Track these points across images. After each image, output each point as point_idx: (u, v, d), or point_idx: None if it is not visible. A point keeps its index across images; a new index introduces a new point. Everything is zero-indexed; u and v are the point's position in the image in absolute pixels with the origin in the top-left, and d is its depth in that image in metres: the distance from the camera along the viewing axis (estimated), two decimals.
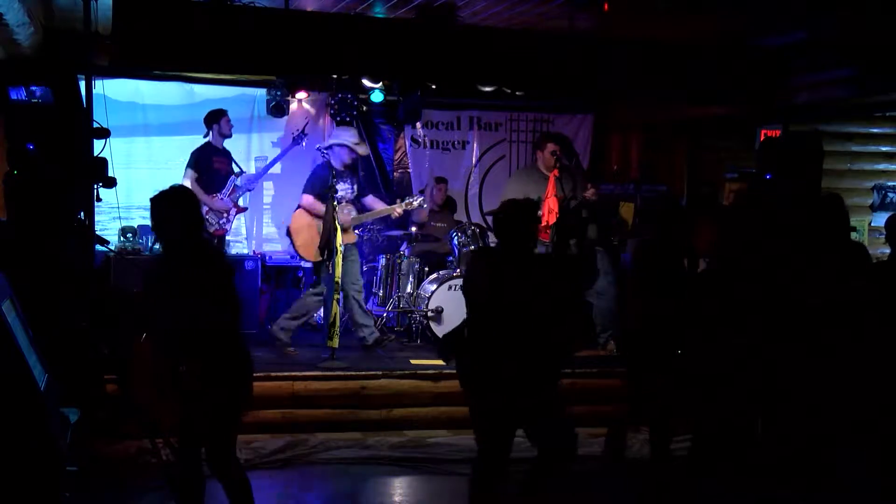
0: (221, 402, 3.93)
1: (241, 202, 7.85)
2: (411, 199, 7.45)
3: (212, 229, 7.60)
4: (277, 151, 8.80)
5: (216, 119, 7.65)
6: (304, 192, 7.14)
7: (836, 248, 4.70)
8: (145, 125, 8.54)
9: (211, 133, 7.68)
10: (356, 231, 7.47)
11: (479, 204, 9.30)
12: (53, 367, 3.55)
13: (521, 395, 4.17)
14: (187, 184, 7.56)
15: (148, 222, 8.24)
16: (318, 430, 6.04)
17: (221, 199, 7.61)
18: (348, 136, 7.16)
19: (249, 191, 7.95)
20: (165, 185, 8.78)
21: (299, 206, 7.17)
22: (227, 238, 8.67)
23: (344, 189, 7.10)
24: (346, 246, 6.94)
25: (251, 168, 8.63)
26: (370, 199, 7.38)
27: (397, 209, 7.37)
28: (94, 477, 4.92)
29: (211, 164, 7.63)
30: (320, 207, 6.92)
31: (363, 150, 7.33)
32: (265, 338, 7.85)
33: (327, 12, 6.59)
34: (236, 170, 7.77)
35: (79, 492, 3.43)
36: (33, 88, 5.71)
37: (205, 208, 7.57)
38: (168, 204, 4.09)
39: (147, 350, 5.93)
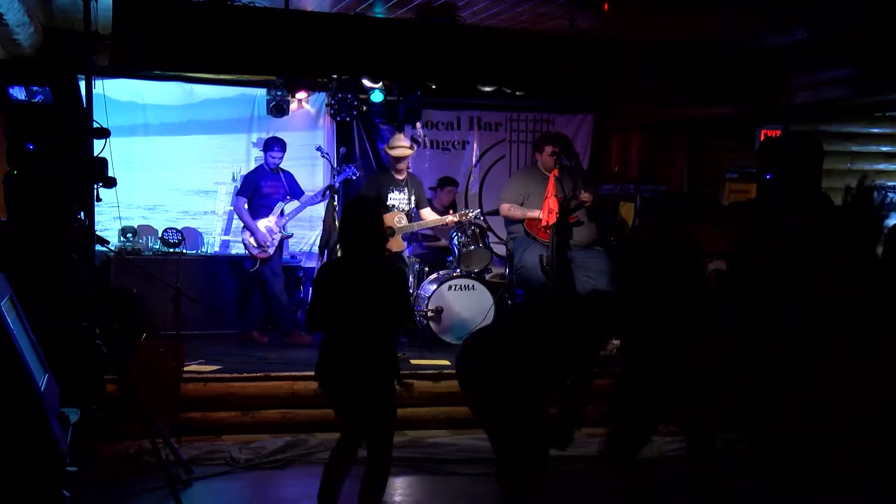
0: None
1: (288, 228, 7.90)
2: (467, 211, 7.57)
3: (254, 252, 7.65)
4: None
5: (264, 149, 7.82)
6: None
7: (834, 248, 4.69)
8: (145, 125, 8.54)
9: (264, 157, 7.82)
10: (404, 241, 7.50)
11: (479, 204, 9.30)
12: (53, 367, 3.55)
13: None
14: (239, 210, 7.74)
15: (147, 222, 8.36)
16: (318, 430, 6.03)
17: (267, 224, 7.66)
18: (402, 143, 7.16)
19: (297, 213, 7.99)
20: (165, 185, 8.79)
21: None
22: (228, 239, 8.69)
23: (398, 199, 7.15)
24: (393, 254, 7.01)
25: (252, 167, 8.66)
26: (427, 212, 7.44)
27: (450, 218, 7.46)
28: (94, 477, 4.92)
29: (260, 189, 7.73)
30: None
31: (406, 150, 7.32)
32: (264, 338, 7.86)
33: (327, 12, 6.59)
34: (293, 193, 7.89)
35: (79, 492, 3.42)
36: (33, 88, 5.71)
37: (247, 233, 7.62)
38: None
39: (148, 350, 5.96)
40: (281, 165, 7.88)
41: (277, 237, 7.70)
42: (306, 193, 7.95)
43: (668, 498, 5.10)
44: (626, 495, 4.73)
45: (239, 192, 7.79)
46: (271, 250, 7.66)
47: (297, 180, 8.04)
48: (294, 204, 7.87)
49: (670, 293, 4.58)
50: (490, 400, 4.42)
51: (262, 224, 7.66)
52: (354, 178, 7.86)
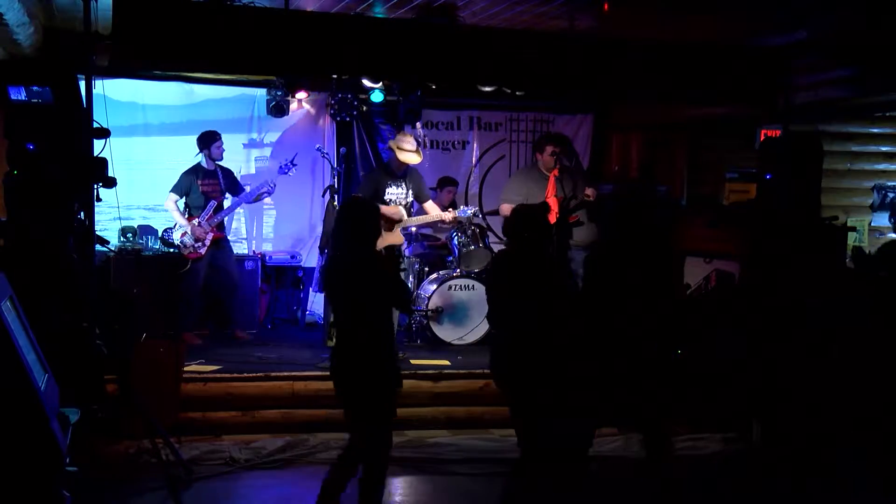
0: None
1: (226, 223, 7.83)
2: (466, 208, 7.61)
3: (186, 252, 7.55)
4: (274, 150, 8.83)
5: (206, 144, 7.65)
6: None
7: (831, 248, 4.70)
8: (145, 125, 8.54)
9: (202, 155, 7.68)
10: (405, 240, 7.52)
11: (480, 204, 9.29)
12: (53, 367, 3.55)
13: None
14: (169, 206, 7.61)
15: (147, 222, 8.36)
16: (318, 430, 6.04)
17: (199, 223, 7.57)
18: (406, 143, 7.17)
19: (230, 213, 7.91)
20: (165, 185, 8.81)
21: None
22: (228, 238, 8.68)
23: (396, 194, 7.16)
24: (389, 247, 7.01)
25: (251, 167, 8.64)
26: (430, 205, 7.46)
27: (447, 215, 7.52)
28: (94, 477, 4.91)
29: (196, 188, 7.63)
30: None
31: (415, 158, 7.36)
32: (265, 337, 7.86)
33: (327, 12, 6.59)
34: (231, 190, 7.77)
35: (79, 492, 3.42)
36: (33, 88, 5.70)
37: (182, 230, 7.57)
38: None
39: (148, 350, 5.96)
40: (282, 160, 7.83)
41: (209, 237, 7.60)
42: (246, 191, 7.84)
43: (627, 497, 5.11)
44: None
45: (171, 189, 7.65)
46: (202, 250, 7.57)
47: (238, 177, 7.95)
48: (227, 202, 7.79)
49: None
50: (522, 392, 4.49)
51: (195, 223, 7.57)
52: (287, 171, 7.85)
